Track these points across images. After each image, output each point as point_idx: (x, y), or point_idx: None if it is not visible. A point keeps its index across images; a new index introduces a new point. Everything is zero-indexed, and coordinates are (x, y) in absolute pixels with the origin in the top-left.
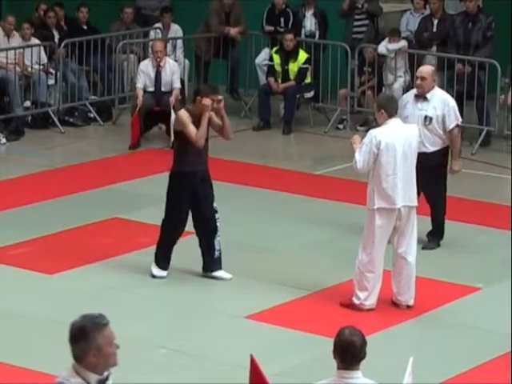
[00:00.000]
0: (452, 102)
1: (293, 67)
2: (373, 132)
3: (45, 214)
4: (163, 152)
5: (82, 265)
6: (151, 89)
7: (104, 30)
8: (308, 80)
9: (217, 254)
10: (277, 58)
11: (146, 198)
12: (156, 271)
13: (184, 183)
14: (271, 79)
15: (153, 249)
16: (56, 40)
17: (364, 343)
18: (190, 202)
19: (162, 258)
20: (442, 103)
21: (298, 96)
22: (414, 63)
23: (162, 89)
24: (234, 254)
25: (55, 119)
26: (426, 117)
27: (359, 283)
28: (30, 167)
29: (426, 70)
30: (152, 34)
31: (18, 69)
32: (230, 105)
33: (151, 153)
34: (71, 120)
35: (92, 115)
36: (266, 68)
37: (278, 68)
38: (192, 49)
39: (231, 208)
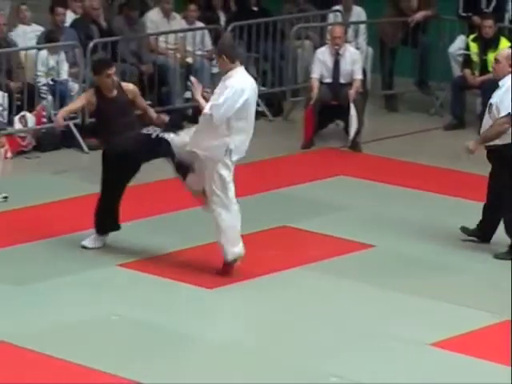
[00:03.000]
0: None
1: (492, 58)
2: None
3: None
4: (340, 152)
5: (242, 280)
6: (328, 80)
7: (276, 12)
8: None
9: None
10: (474, 47)
11: (320, 204)
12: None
13: None
14: (467, 71)
15: (328, 262)
16: (222, 23)
17: None
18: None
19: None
20: (504, 90)
21: None
22: None
23: (341, 80)
24: (414, 270)
25: None
26: (490, 104)
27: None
28: None
29: (502, 53)
30: (331, 17)
31: (178, 55)
32: (418, 99)
33: (326, 153)
34: None
35: (260, 109)
36: (460, 58)
37: (476, 58)
38: (376, 35)
39: (413, 216)
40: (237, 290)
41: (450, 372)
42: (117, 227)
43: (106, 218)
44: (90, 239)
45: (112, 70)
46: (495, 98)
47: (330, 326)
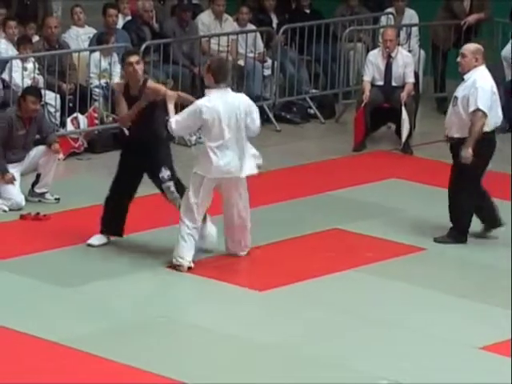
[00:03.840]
0: (479, 83)
1: None
2: None
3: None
4: (392, 155)
5: (293, 282)
6: (380, 82)
7: (328, 15)
8: None
9: None
10: None
11: (371, 207)
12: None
13: None
14: None
15: (379, 264)
16: (274, 25)
17: None
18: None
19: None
20: (470, 84)
21: None
22: None
23: (393, 83)
24: (465, 273)
25: (270, 115)
26: (455, 97)
27: None
28: None
29: (468, 47)
30: (383, 19)
31: (230, 57)
32: None
33: (378, 155)
34: (288, 116)
35: (312, 111)
36: None
37: None
38: (428, 37)
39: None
40: (288, 292)
41: (499, 376)
42: (119, 233)
43: (110, 220)
44: (95, 238)
45: (134, 59)
46: (460, 92)
47: (382, 328)
